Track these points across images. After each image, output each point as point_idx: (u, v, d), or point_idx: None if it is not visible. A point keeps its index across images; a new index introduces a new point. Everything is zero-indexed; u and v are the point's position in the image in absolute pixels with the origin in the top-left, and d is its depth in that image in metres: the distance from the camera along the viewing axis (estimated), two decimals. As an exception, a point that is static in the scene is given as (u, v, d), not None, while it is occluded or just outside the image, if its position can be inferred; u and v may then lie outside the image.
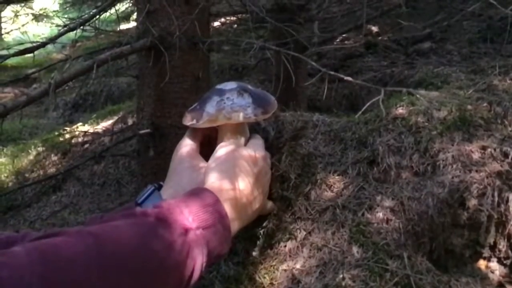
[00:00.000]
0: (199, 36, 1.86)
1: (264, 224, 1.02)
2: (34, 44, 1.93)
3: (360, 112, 1.15)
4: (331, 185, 1.03)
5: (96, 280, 0.58)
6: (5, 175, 2.70)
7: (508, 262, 0.95)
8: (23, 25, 8.53)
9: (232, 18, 4.47)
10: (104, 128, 2.93)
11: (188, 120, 0.94)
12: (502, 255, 0.95)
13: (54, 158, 2.72)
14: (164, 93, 1.88)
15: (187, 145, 0.95)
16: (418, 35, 3.55)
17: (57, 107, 4.54)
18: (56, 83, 1.40)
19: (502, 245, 0.94)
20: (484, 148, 0.98)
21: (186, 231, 0.70)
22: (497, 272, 0.94)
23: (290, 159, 1.05)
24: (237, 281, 0.99)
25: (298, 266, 0.93)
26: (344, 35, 3.93)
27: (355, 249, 0.91)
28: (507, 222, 0.93)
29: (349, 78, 1.31)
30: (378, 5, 3.03)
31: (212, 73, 2.48)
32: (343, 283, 0.86)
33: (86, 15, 2.33)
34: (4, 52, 1.93)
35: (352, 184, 1.02)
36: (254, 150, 0.91)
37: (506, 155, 0.96)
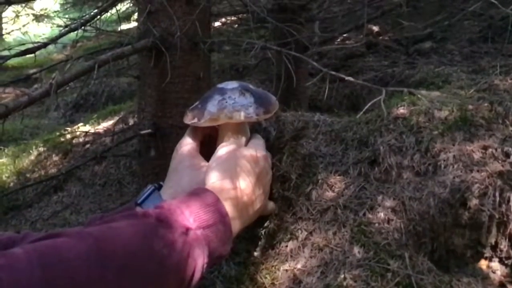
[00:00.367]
0: (200, 36, 1.86)
1: (265, 224, 1.02)
2: (36, 45, 1.94)
3: (361, 112, 1.15)
4: (332, 185, 1.03)
5: (97, 281, 0.58)
6: (6, 175, 2.70)
7: (509, 262, 0.94)
8: (23, 26, 8.54)
9: (232, 18, 4.48)
10: (105, 128, 2.93)
11: (190, 119, 0.94)
12: (503, 255, 0.95)
13: (55, 158, 2.73)
14: (165, 93, 1.88)
15: (187, 144, 0.95)
16: (419, 35, 3.54)
17: (58, 107, 4.54)
18: (58, 84, 1.41)
19: (504, 245, 0.94)
20: (485, 148, 0.98)
21: (187, 231, 0.70)
22: (498, 272, 0.94)
23: (291, 159, 1.05)
24: (238, 281, 0.99)
25: (299, 266, 0.93)
26: (345, 35, 3.93)
27: (356, 249, 0.91)
28: (509, 222, 0.92)
29: (350, 78, 1.31)
30: (379, 5, 3.03)
31: (213, 73, 2.48)
32: (345, 283, 0.86)
33: (87, 16, 2.33)
34: (6, 53, 1.93)
35: (353, 184, 1.02)
36: (255, 150, 0.91)
37: (507, 155, 0.96)
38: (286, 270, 0.93)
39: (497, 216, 0.92)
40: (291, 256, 0.95)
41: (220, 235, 0.75)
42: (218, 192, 0.79)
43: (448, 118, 1.06)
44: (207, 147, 0.96)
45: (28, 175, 2.64)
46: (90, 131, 2.91)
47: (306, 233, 0.97)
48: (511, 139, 1.00)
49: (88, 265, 0.58)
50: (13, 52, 1.92)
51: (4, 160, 2.91)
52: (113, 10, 2.49)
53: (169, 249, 0.67)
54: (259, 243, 1.02)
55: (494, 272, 0.94)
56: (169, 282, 0.67)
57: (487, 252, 0.96)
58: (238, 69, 4.03)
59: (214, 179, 0.83)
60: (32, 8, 8.28)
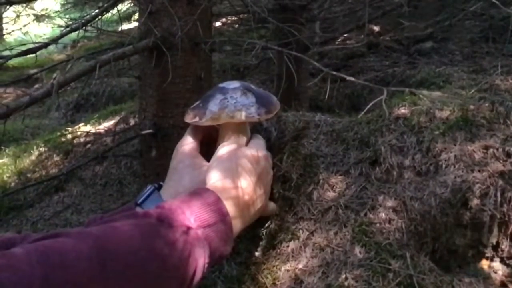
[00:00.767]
0: (201, 37, 1.86)
1: (267, 225, 1.02)
2: (37, 45, 1.94)
3: (362, 113, 1.15)
4: (333, 185, 1.03)
5: (98, 281, 0.57)
6: (7, 175, 2.70)
7: (511, 262, 0.95)
8: (24, 26, 8.55)
9: (233, 18, 4.48)
10: (106, 129, 2.93)
11: (191, 118, 0.94)
12: (505, 255, 0.95)
13: (56, 158, 2.73)
14: (166, 93, 1.88)
15: (188, 143, 0.95)
16: (419, 35, 3.54)
17: (59, 107, 4.54)
18: (59, 84, 1.41)
19: (505, 245, 0.94)
20: (486, 148, 0.98)
21: (187, 230, 0.70)
22: (499, 272, 0.94)
23: (292, 159, 1.05)
24: (239, 281, 0.99)
25: (300, 266, 0.93)
26: (345, 35, 3.93)
27: (357, 249, 0.91)
28: (510, 222, 0.93)
29: (352, 78, 1.31)
30: (380, 5, 3.03)
31: (213, 73, 2.48)
32: (346, 283, 0.86)
33: (88, 16, 2.33)
34: (7, 53, 1.93)
35: (354, 184, 1.02)
36: (256, 150, 0.91)
37: (508, 155, 0.96)
38: (288, 270, 0.94)
39: (498, 216, 0.92)
40: (292, 256, 0.95)
41: (221, 234, 0.75)
42: (219, 191, 0.79)
43: (449, 118, 1.06)
44: (207, 147, 0.96)
45: (29, 175, 2.64)
46: (91, 131, 2.90)
47: (307, 233, 0.97)
48: (512, 139, 1.00)
49: (89, 265, 0.58)
50: (14, 52, 1.92)
51: (5, 160, 2.91)
52: (114, 10, 2.49)
53: (170, 248, 0.67)
54: (260, 243, 1.02)
55: (495, 272, 0.95)
56: (170, 281, 0.67)
57: (489, 252, 0.96)
58: (239, 69, 4.03)
59: (215, 179, 0.83)
60: (32, 8, 8.29)
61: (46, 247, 0.58)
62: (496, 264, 0.95)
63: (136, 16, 6.34)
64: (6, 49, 2.02)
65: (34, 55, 2.00)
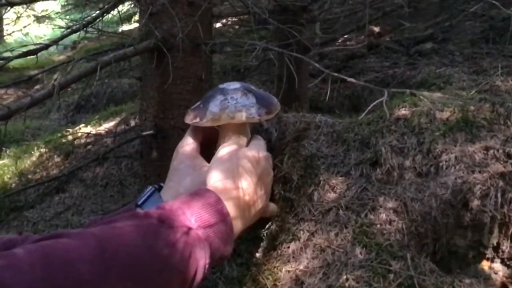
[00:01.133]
0: (202, 38, 1.86)
1: (267, 226, 1.02)
2: (38, 46, 1.94)
3: (363, 114, 1.15)
4: (334, 186, 1.03)
5: (99, 281, 0.57)
6: (8, 176, 2.71)
7: (511, 263, 0.95)
8: (24, 27, 8.55)
9: (233, 19, 4.48)
10: (106, 130, 2.93)
11: (191, 119, 0.94)
12: (505, 256, 0.95)
13: (57, 159, 2.73)
14: (167, 94, 1.88)
15: (188, 144, 0.94)
16: (420, 36, 3.54)
17: (60, 108, 4.54)
18: (60, 85, 1.41)
19: (506, 246, 0.94)
20: (487, 149, 0.98)
21: (188, 231, 0.70)
22: (500, 273, 0.94)
23: (292, 160, 1.05)
24: (240, 282, 0.99)
25: (301, 267, 0.93)
26: (346, 36, 3.93)
27: (358, 250, 0.91)
28: (510, 223, 0.93)
29: (352, 79, 1.32)
30: (380, 6, 3.03)
31: (214, 74, 2.48)
32: (347, 284, 0.86)
33: (89, 17, 2.34)
34: (8, 54, 1.94)
35: (355, 185, 1.02)
36: (257, 150, 0.91)
37: (509, 156, 0.97)
38: (288, 271, 0.94)
39: (499, 217, 0.92)
40: (293, 257, 0.95)
41: (221, 235, 0.75)
42: (220, 192, 0.79)
43: (450, 119, 1.07)
44: (207, 148, 0.96)
45: (29, 176, 2.64)
46: (91, 132, 2.91)
47: (308, 234, 0.97)
48: (512, 140, 1.00)
49: (90, 265, 0.57)
50: (15, 53, 1.92)
51: (5, 161, 2.91)
52: (114, 11, 2.49)
53: (171, 249, 0.67)
54: (261, 244, 1.02)
55: (496, 273, 0.95)
56: (172, 282, 0.67)
57: (489, 253, 0.96)
58: (239, 70, 4.03)
59: (215, 179, 0.83)
60: (33, 9, 8.30)
61: (47, 248, 0.58)
62: (497, 265, 0.96)
63: (136, 17, 6.35)
64: (7, 51, 2.02)
65: (34, 56, 2.00)
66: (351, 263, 0.89)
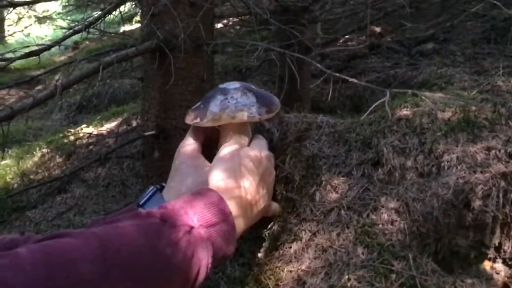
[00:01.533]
0: (204, 38, 1.87)
1: (269, 226, 1.02)
2: (40, 47, 1.95)
3: (365, 114, 1.15)
4: (336, 186, 1.03)
5: (101, 281, 0.57)
6: (10, 176, 2.71)
7: (513, 263, 0.95)
8: (26, 27, 8.56)
9: (234, 19, 4.48)
10: (108, 130, 2.94)
11: (192, 119, 0.94)
12: (507, 256, 0.95)
13: (58, 159, 2.73)
14: (169, 95, 1.89)
15: (189, 144, 0.95)
16: (421, 36, 3.54)
17: (61, 109, 4.55)
18: (63, 85, 1.41)
19: (507, 246, 0.94)
20: (488, 149, 0.98)
21: (190, 230, 0.70)
22: (502, 273, 0.95)
23: (294, 160, 1.05)
24: (242, 282, 0.99)
25: (303, 267, 0.93)
26: (347, 37, 3.93)
27: (360, 250, 0.91)
28: (512, 223, 0.93)
29: (354, 80, 1.32)
30: (381, 6, 3.03)
31: (215, 74, 2.49)
32: (349, 284, 0.86)
33: (91, 18, 2.34)
34: (10, 55, 1.94)
35: (356, 185, 1.02)
36: (258, 150, 0.91)
37: (511, 156, 0.97)
38: (290, 271, 0.94)
39: (500, 217, 0.92)
40: (295, 257, 0.96)
41: (224, 234, 0.75)
42: (222, 191, 0.79)
43: (451, 119, 1.07)
44: (208, 148, 0.96)
45: (32, 177, 2.64)
46: (93, 133, 2.91)
47: (310, 234, 0.97)
48: (514, 140, 1.00)
49: (92, 265, 0.58)
50: (17, 54, 1.92)
51: (8, 161, 2.92)
52: (116, 12, 2.50)
53: (173, 248, 0.67)
54: (263, 244, 1.02)
55: (498, 273, 0.95)
56: (174, 282, 0.67)
57: (491, 253, 0.96)
58: (240, 70, 4.03)
59: (217, 179, 0.83)
60: (34, 10, 8.30)
61: (49, 247, 0.59)
62: (499, 265, 0.96)
63: (137, 18, 6.35)
64: (9, 51, 2.03)
65: (36, 57, 2.01)
66: (353, 263, 0.89)
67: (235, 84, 0.96)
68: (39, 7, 8.43)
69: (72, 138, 2.91)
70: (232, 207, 0.79)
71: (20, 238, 0.74)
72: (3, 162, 2.90)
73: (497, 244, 0.95)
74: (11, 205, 2.43)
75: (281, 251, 0.98)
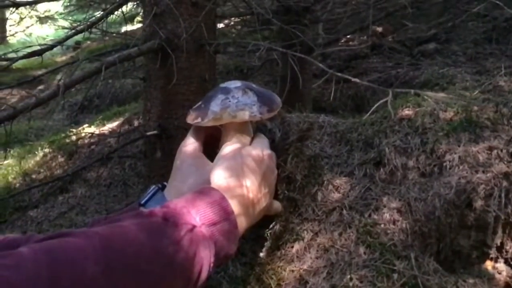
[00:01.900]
0: (206, 38, 1.87)
1: (271, 226, 1.02)
2: (43, 47, 1.95)
3: (368, 114, 1.15)
4: (338, 186, 1.03)
5: (104, 280, 0.57)
6: (12, 176, 2.72)
7: (515, 263, 0.95)
8: (27, 27, 8.58)
9: (236, 19, 4.48)
10: (110, 130, 2.94)
11: (193, 119, 0.94)
12: (509, 256, 0.95)
13: (60, 159, 2.74)
14: (171, 94, 1.89)
15: (191, 143, 0.94)
16: (423, 36, 3.54)
17: (63, 108, 4.56)
18: (66, 85, 1.42)
19: (509, 246, 0.94)
20: (490, 149, 0.99)
21: (192, 229, 0.71)
22: (504, 273, 0.95)
23: (296, 160, 1.05)
24: (244, 282, 0.99)
25: (305, 267, 0.93)
26: (349, 36, 3.93)
27: (362, 249, 0.91)
28: (514, 223, 0.93)
29: (357, 80, 1.32)
30: (383, 6, 3.03)
31: (217, 74, 2.49)
32: (351, 284, 0.86)
33: (93, 18, 2.34)
34: (13, 55, 1.95)
35: (358, 185, 1.02)
36: (260, 149, 0.91)
37: (512, 156, 0.97)
38: (292, 271, 0.94)
39: (502, 217, 0.92)
40: (297, 257, 0.96)
41: (226, 233, 0.75)
42: (224, 190, 0.79)
43: (453, 119, 1.07)
44: (210, 148, 0.96)
45: (33, 176, 2.65)
46: (95, 133, 2.92)
47: (312, 234, 0.97)
48: (516, 140, 1.00)
49: (95, 264, 0.58)
50: (20, 54, 1.93)
51: (9, 161, 2.93)
52: (118, 12, 2.50)
53: (176, 248, 0.67)
54: (265, 244, 1.02)
55: (499, 273, 0.95)
56: (176, 281, 0.67)
57: (493, 253, 0.96)
58: (242, 70, 4.04)
59: (219, 178, 0.83)
60: (36, 10, 8.32)
61: (52, 247, 0.59)
62: (501, 265, 0.96)
63: (139, 18, 6.36)
64: (12, 51, 2.03)
65: (38, 57, 2.01)
66: (355, 262, 0.90)
67: (236, 83, 0.96)
68: (41, 7, 8.45)
69: (74, 138, 2.92)
70: (234, 205, 0.79)
71: (22, 237, 0.74)
72: (5, 162, 2.90)
73: (499, 244, 0.95)
74: (13, 204, 2.43)
75: (283, 251, 0.98)
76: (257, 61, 3.72)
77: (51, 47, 2.04)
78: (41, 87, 5.59)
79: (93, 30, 2.24)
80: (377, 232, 0.93)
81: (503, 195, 0.92)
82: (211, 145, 0.97)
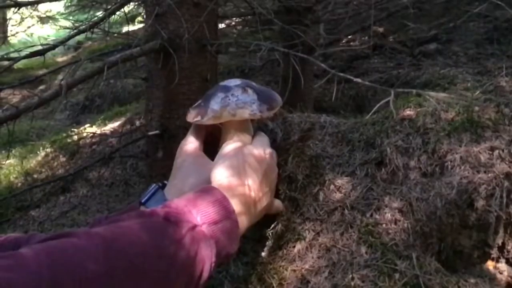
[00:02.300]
0: (208, 38, 1.87)
1: (273, 225, 1.03)
2: (45, 47, 1.95)
3: (370, 114, 1.15)
4: (339, 186, 1.03)
5: (106, 280, 0.58)
6: (14, 176, 2.72)
7: (516, 262, 0.95)
8: (28, 27, 8.58)
9: (237, 19, 4.48)
10: (111, 130, 2.94)
11: (193, 117, 0.93)
12: (510, 255, 0.95)
13: (62, 159, 2.74)
14: (173, 94, 1.89)
15: (191, 142, 0.94)
16: (424, 37, 3.54)
17: (65, 108, 4.57)
18: (68, 85, 1.42)
19: (511, 246, 0.95)
20: (492, 149, 0.99)
21: (194, 228, 0.71)
22: (505, 273, 0.95)
23: (297, 160, 1.05)
24: (246, 281, 1.00)
25: (307, 266, 0.94)
26: (350, 37, 3.93)
27: (363, 249, 0.92)
28: (516, 223, 0.93)
29: (358, 80, 1.32)
30: (384, 7, 3.03)
31: (218, 74, 2.49)
32: (352, 283, 0.86)
33: (95, 18, 2.35)
34: (15, 55, 1.95)
35: (360, 185, 1.02)
36: (261, 147, 0.91)
37: (514, 156, 0.97)
38: (294, 270, 0.94)
39: (504, 217, 0.92)
40: (298, 257, 0.96)
41: (227, 232, 0.75)
42: (225, 189, 0.79)
43: (455, 119, 1.07)
44: (210, 146, 0.96)
45: (35, 176, 2.65)
46: (96, 132, 2.92)
47: (313, 233, 0.98)
48: (517, 141, 1.00)
49: (97, 265, 0.58)
50: (22, 54, 1.93)
51: (11, 161, 2.93)
52: (120, 12, 2.51)
53: (177, 247, 0.67)
54: (267, 243, 1.02)
55: (501, 273, 0.95)
56: (178, 280, 0.67)
57: (494, 253, 0.96)
58: (243, 70, 4.04)
59: (220, 176, 0.83)
60: (37, 10, 8.32)
61: (54, 247, 0.59)
62: (502, 265, 0.96)
63: (140, 18, 6.36)
64: (14, 51, 2.04)
65: (40, 56, 2.02)
66: (356, 262, 0.90)
67: (236, 82, 0.96)
68: (42, 7, 8.45)
69: (75, 137, 2.92)
70: (236, 204, 0.79)
71: (24, 237, 0.74)
72: (7, 162, 2.91)
73: (500, 244, 0.95)
74: (15, 204, 2.43)
75: (284, 251, 0.98)
76: (259, 61, 3.72)
77: (53, 47, 2.04)
78: (42, 87, 5.60)
79: (95, 30, 2.25)
80: (378, 232, 0.93)
81: (504, 195, 0.92)
82: (211, 143, 0.97)
